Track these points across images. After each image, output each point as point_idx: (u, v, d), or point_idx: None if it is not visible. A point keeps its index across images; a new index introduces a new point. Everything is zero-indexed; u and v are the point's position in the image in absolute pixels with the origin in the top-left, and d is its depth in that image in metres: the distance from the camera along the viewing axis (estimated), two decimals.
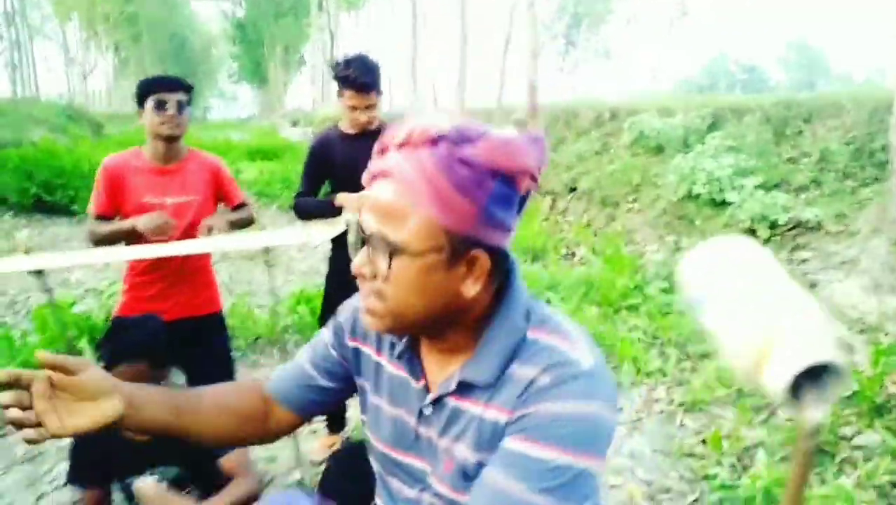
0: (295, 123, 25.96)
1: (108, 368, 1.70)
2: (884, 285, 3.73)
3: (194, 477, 1.86)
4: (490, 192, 0.73)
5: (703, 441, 3.01)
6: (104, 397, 0.85)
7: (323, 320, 2.81)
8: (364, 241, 0.78)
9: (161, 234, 2.17)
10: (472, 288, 0.77)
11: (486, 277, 0.78)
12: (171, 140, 2.27)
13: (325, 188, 2.65)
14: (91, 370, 0.86)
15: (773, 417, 3.15)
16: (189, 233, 2.30)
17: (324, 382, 1.01)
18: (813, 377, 0.55)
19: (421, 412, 0.87)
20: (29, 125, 13.61)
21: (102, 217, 2.31)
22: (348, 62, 2.38)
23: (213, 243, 2.28)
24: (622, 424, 3.21)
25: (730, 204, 4.99)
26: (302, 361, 1.03)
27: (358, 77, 2.35)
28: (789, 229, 4.52)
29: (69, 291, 5.07)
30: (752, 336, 0.58)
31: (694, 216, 5.49)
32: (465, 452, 0.82)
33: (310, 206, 2.55)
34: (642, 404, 3.42)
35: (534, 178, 0.76)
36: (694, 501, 2.60)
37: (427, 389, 0.87)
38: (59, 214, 8.38)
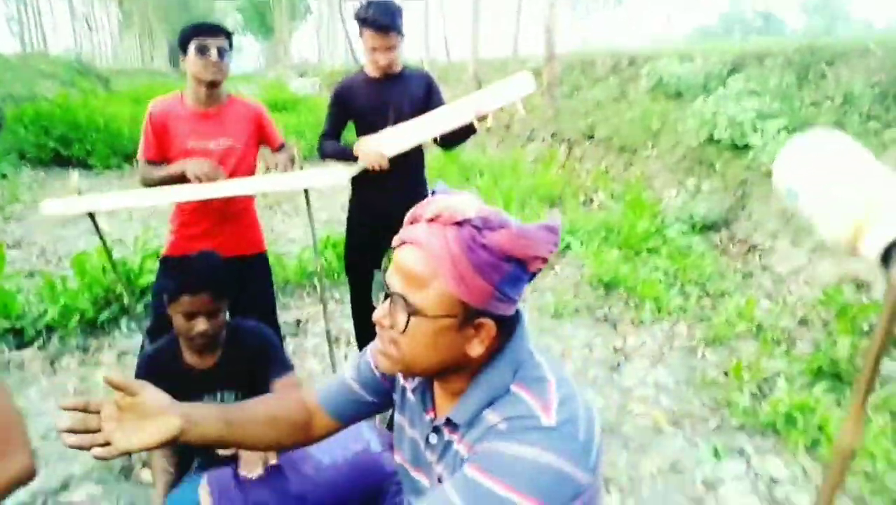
0: (302, 75, 25.64)
1: (170, 300, 1.79)
2: None
3: None
4: (504, 274, 0.83)
5: (725, 372, 3.12)
6: (163, 415, 0.97)
7: (347, 260, 2.90)
8: (388, 295, 0.88)
9: (209, 181, 2.25)
10: (477, 348, 0.88)
11: (491, 339, 0.88)
12: (213, 85, 2.32)
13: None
14: (150, 391, 0.99)
15: (793, 349, 3.25)
16: (233, 176, 2.37)
17: (368, 398, 1.13)
18: None
19: (427, 439, 0.99)
20: (39, 80, 13.56)
21: (152, 162, 2.40)
22: (369, 3, 2.41)
23: (253, 184, 2.36)
24: (645, 358, 3.32)
25: (752, 147, 4.99)
26: (347, 378, 1.15)
27: (378, 18, 2.37)
28: None
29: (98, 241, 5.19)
30: (849, 213, 0.65)
31: (714, 160, 5.49)
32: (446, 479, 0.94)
33: (330, 151, 2.63)
34: (664, 339, 3.53)
35: (544, 261, 0.85)
36: (716, 426, 2.72)
37: (430, 422, 0.99)
38: (77, 168, 8.47)
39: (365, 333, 2.93)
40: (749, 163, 5.11)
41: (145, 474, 2.39)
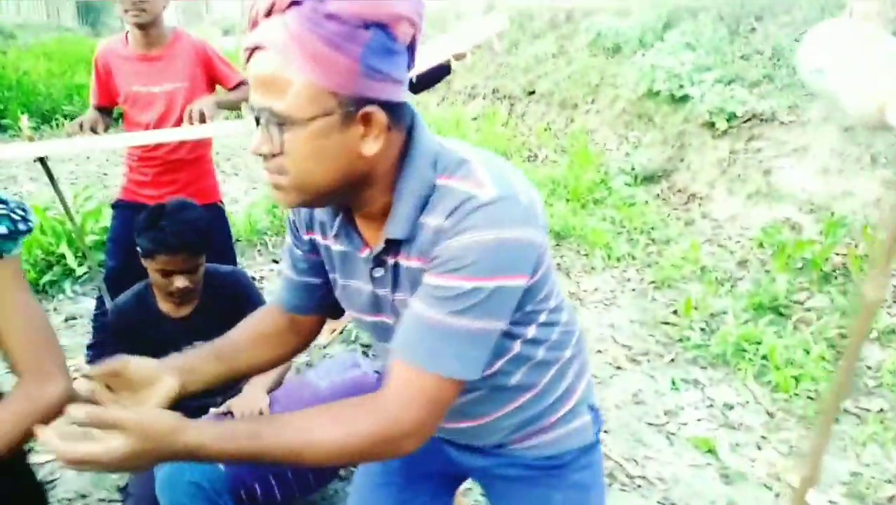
0: (226, 33, 24.49)
1: (145, 256, 1.71)
2: (831, 169, 4.02)
3: None
4: (364, 43, 0.72)
5: (674, 312, 3.29)
6: (158, 380, 0.92)
7: None
8: (257, 120, 0.77)
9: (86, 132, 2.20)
10: (372, 146, 0.77)
11: (386, 132, 0.78)
12: (142, 28, 2.23)
13: None
14: (133, 363, 0.91)
15: (735, 288, 3.45)
16: (181, 121, 2.28)
17: (314, 280, 1.05)
18: None
19: (372, 276, 0.91)
20: None
21: (102, 108, 2.34)
22: None
23: (206, 129, 2.27)
24: (599, 302, 3.45)
25: (690, 99, 5.16)
26: (286, 272, 1.07)
27: None
28: (745, 121, 4.75)
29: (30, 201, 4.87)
30: (875, 87, 0.71)
31: (653, 113, 5.65)
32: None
33: None
34: (616, 284, 3.67)
35: (413, 25, 0.75)
36: (671, 360, 2.88)
37: (371, 254, 0.91)
38: None
39: None
40: (686, 115, 5.29)
41: None
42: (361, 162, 0.79)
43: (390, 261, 0.88)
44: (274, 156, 0.77)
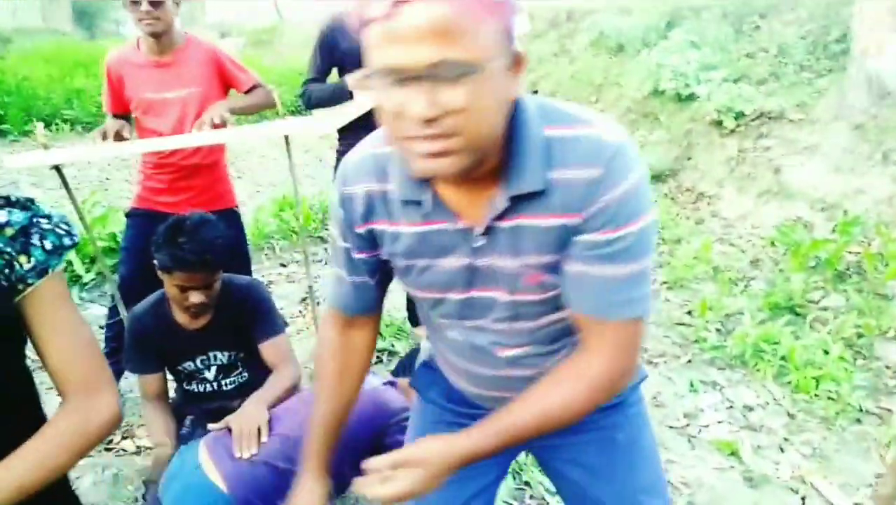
0: (224, 35, 24.43)
1: (163, 271, 1.68)
2: (843, 167, 4.00)
3: (245, 361, 1.92)
4: None
5: (689, 312, 3.26)
6: (320, 487, 1.10)
7: None
8: (413, 79, 0.67)
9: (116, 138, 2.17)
10: (518, 87, 0.75)
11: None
12: (155, 36, 2.21)
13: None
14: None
15: (749, 287, 3.43)
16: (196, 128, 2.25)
17: (373, 280, 1.01)
18: None
19: (474, 247, 0.86)
20: None
21: (117, 116, 2.33)
22: None
23: (227, 134, 2.24)
24: None
25: (697, 97, 5.14)
26: (344, 276, 1.02)
27: None
28: (753, 119, 4.73)
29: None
30: None
31: (659, 112, 5.63)
32: (540, 259, 0.84)
33: (320, 92, 2.51)
34: None
35: None
36: (688, 361, 2.86)
37: (469, 227, 0.85)
38: None
39: None
40: (693, 113, 5.27)
41: (127, 444, 2.30)
42: (508, 109, 0.76)
43: (504, 225, 0.83)
44: (440, 118, 0.68)
